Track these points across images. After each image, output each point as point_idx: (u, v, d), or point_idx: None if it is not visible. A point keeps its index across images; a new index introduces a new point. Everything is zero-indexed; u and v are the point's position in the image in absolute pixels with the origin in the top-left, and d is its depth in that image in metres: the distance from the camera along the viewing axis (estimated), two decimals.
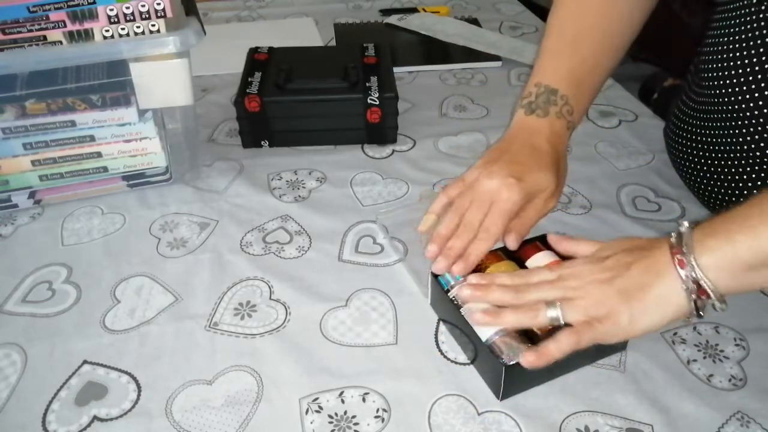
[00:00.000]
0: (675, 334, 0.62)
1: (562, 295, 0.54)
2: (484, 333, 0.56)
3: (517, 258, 0.63)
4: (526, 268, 0.62)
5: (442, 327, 0.63)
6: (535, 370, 0.53)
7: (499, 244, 0.64)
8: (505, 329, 0.55)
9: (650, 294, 0.51)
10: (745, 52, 0.65)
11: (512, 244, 0.63)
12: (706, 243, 0.50)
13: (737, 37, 0.66)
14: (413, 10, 1.32)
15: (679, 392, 0.56)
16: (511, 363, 0.53)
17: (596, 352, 0.57)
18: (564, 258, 0.62)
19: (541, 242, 0.64)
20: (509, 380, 0.54)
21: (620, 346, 0.59)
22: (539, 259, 0.62)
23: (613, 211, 0.77)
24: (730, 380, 0.57)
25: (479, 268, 0.62)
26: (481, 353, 0.56)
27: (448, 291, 0.60)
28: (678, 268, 0.50)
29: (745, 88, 0.65)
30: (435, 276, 0.62)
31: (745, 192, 0.68)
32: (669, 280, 0.51)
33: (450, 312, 0.60)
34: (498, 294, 0.56)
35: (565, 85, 0.68)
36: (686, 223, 0.52)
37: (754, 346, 0.61)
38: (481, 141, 0.91)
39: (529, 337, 0.56)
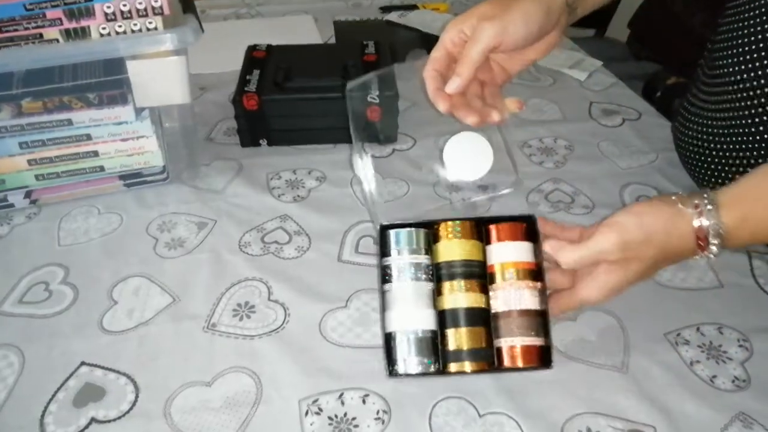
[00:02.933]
0: (678, 335, 0.61)
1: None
2: (391, 326, 0.54)
3: (488, 231, 0.58)
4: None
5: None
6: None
7: (472, 215, 0.59)
8: (416, 330, 0.54)
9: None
10: (754, 37, 0.65)
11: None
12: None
13: (753, 21, 0.66)
14: (413, 7, 1.31)
15: (681, 393, 0.56)
16: (403, 373, 0.53)
17: None
18: (537, 264, 0.56)
19: (527, 223, 0.57)
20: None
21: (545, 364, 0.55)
22: (509, 250, 0.57)
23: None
24: (733, 381, 0.57)
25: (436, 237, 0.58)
26: (384, 341, 0.55)
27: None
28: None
29: (758, 71, 0.65)
30: (382, 229, 0.58)
31: None
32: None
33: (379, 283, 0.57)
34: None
35: None
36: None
37: (758, 347, 0.60)
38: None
39: (435, 346, 0.54)
